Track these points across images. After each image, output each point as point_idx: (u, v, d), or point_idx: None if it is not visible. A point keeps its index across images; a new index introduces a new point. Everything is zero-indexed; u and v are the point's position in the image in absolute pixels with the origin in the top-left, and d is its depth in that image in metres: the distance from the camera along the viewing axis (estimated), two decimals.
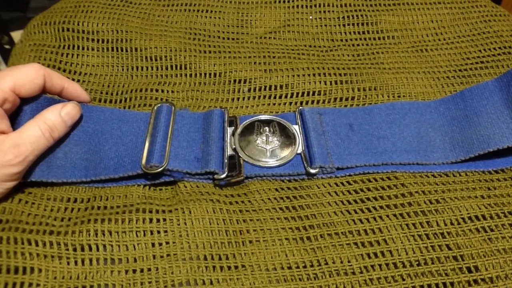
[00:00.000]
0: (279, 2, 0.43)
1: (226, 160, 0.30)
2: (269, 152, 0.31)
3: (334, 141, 0.31)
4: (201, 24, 0.41)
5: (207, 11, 0.42)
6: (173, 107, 0.32)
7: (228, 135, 0.32)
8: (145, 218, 0.27)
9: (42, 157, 0.28)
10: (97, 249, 0.25)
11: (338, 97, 0.35)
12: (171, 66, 0.37)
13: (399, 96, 0.35)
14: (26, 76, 0.28)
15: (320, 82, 0.36)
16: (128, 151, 0.30)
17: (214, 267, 0.25)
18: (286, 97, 0.35)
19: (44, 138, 0.27)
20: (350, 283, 0.25)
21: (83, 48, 0.38)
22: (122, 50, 0.38)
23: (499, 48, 0.39)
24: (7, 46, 0.70)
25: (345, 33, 0.41)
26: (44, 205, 0.28)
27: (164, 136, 0.30)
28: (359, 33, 0.41)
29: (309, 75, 0.36)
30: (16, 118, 0.29)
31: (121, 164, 0.29)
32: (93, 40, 0.38)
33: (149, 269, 0.25)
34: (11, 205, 0.27)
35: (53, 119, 0.28)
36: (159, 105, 0.32)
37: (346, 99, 0.35)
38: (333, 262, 0.25)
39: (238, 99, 0.35)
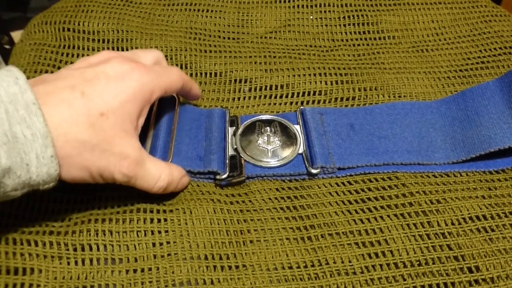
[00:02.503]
0: (280, 2, 0.43)
1: (227, 161, 0.30)
2: (270, 152, 0.31)
3: (335, 141, 0.31)
4: (201, 24, 0.41)
5: (207, 10, 0.42)
6: (176, 99, 0.32)
7: (229, 135, 0.31)
8: (146, 218, 0.27)
9: None
10: (98, 249, 0.25)
11: (339, 97, 0.35)
12: (172, 66, 0.37)
13: (400, 96, 0.35)
14: (175, 82, 0.28)
15: (321, 82, 0.36)
16: None
17: (214, 266, 0.25)
18: (287, 97, 0.35)
19: (155, 184, 0.26)
20: (350, 283, 0.25)
21: (83, 48, 0.38)
22: (122, 50, 0.38)
23: (500, 48, 0.39)
24: (7, 46, 0.69)
25: (346, 33, 0.41)
26: (45, 207, 0.28)
27: (167, 130, 0.30)
28: (359, 33, 0.41)
29: (309, 75, 0.36)
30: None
31: None
32: (93, 40, 0.38)
33: (150, 269, 0.25)
34: (10, 210, 0.27)
35: (174, 178, 0.27)
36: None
37: (347, 99, 0.35)
38: (334, 262, 0.25)
39: (239, 98, 0.35)
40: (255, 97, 0.35)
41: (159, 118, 0.31)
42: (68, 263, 0.25)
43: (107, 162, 0.24)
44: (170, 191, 0.28)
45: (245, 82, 0.36)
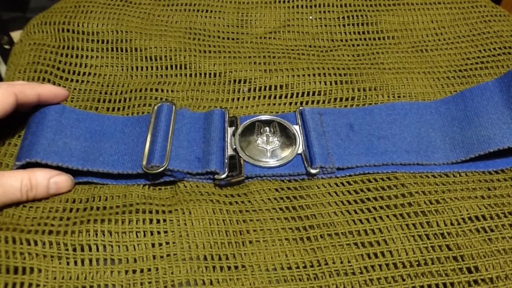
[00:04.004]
0: (279, 2, 0.43)
1: (226, 160, 0.30)
2: (270, 152, 0.31)
3: (335, 141, 0.31)
4: (201, 24, 0.41)
5: (207, 11, 0.42)
6: (173, 106, 0.32)
7: (229, 135, 0.32)
8: (145, 218, 0.27)
9: (40, 143, 0.28)
10: (97, 249, 0.25)
11: (338, 97, 0.35)
12: (171, 66, 0.37)
13: (399, 97, 0.35)
14: (2, 103, 0.27)
15: (320, 82, 0.36)
16: (129, 150, 0.30)
17: (214, 267, 0.25)
18: (286, 97, 0.35)
19: (20, 192, 0.27)
20: (350, 284, 0.25)
21: (82, 49, 0.38)
22: (122, 50, 0.38)
23: (499, 48, 0.39)
24: (6, 46, 0.69)
25: (345, 33, 0.41)
26: (43, 207, 0.28)
27: (164, 135, 0.30)
28: (359, 33, 0.41)
29: (309, 75, 0.36)
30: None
31: (121, 161, 0.29)
32: (93, 41, 0.38)
33: (149, 269, 0.25)
34: (8, 209, 0.27)
35: (39, 181, 0.27)
36: (159, 104, 0.32)
37: (346, 99, 0.35)
38: (333, 263, 0.25)
39: (238, 99, 0.35)
40: (254, 98, 0.35)
41: (157, 125, 0.31)
42: (68, 263, 0.25)
43: None
44: (44, 193, 0.28)
45: (245, 82, 0.36)
